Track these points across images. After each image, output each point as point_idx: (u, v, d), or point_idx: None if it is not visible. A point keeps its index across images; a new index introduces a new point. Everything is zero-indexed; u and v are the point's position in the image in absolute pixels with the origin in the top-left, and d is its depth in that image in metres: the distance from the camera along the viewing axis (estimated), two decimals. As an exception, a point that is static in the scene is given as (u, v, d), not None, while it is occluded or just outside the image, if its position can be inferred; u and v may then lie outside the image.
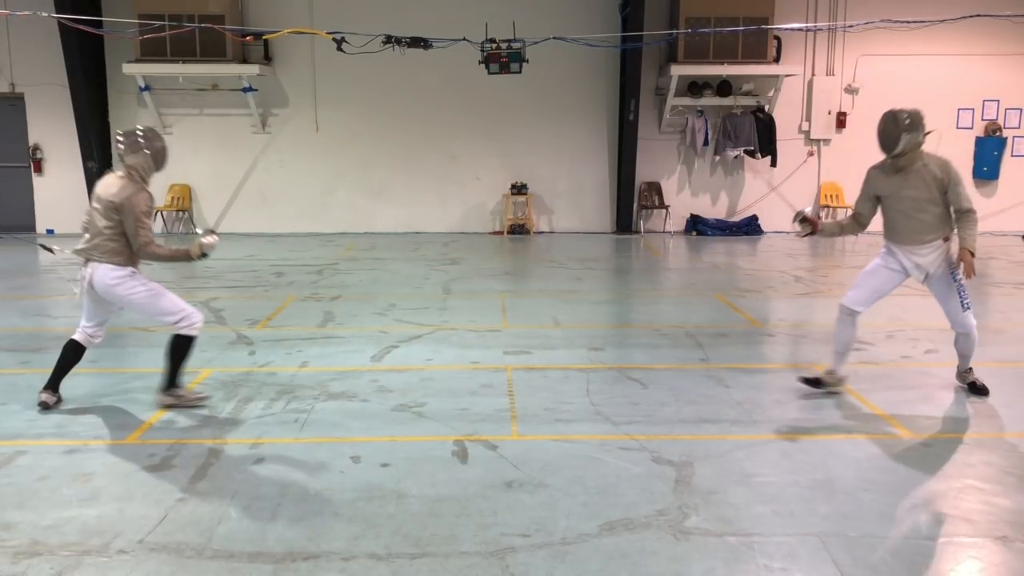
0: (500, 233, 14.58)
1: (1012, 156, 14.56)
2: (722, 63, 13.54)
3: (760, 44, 13.51)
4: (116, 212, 4.87)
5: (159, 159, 5.06)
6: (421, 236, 14.25)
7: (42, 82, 13.97)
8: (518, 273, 11.00)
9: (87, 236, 5.04)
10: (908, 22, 11.05)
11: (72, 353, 5.20)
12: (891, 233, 5.32)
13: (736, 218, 14.61)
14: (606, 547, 3.44)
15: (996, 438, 4.73)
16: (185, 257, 5.15)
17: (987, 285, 10.16)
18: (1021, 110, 14.54)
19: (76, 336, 5.19)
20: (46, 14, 11.45)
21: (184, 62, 13.38)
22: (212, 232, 5.14)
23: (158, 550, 3.42)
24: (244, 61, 13.79)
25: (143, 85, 13.76)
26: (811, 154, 14.53)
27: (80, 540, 3.50)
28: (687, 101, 14.12)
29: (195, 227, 14.35)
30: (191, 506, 3.82)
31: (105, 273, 4.93)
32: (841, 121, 14.31)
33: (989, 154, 14.48)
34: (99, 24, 11.88)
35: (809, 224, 5.47)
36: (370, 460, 4.37)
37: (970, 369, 5.56)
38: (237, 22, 13.60)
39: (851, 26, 12.42)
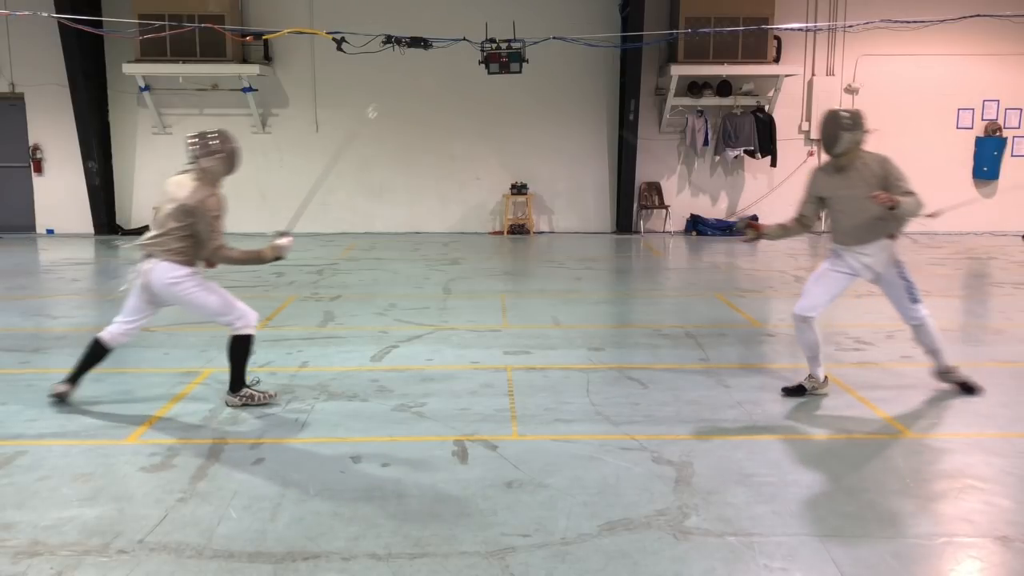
0: (500, 233, 14.58)
1: (1012, 156, 14.56)
2: (722, 63, 13.54)
3: (760, 44, 13.51)
4: (189, 215, 4.86)
5: (232, 162, 5.05)
6: (421, 236, 14.25)
7: (42, 82, 13.96)
8: (518, 273, 11.00)
9: (151, 233, 4.99)
10: (908, 22, 11.06)
11: (96, 352, 5.15)
12: (837, 234, 5.32)
13: (736, 218, 14.60)
14: (606, 547, 3.44)
15: (996, 438, 4.73)
16: (258, 260, 5.13)
17: (987, 285, 10.17)
18: (1021, 110, 14.54)
19: (103, 334, 5.14)
20: (46, 14, 11.48)
21: (184, 62, 13.38)
22: (285, 234, 5.12)
23: (158, 550, 3.41)
24: (244, 61, 13.79)
25: (143, 85, 13.76)
26: (811, 154, 14.53)
27: (80, 540, 3.50)
28: (687, 101, 14.13)
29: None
30: (191, 506, 3.82)
31: (165, 271, 4.91)
32: (841, 121, 14.30)
33: (989, 154, 14.49)
34: (99, 24, 11.89)
35: (753, 230, 5.48)
36: (370, 460, 4.37)
37: (953, 368, 5.51)
38: (237, 22, 13.59)
39: (851, 26, 12.44)
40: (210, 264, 5.09)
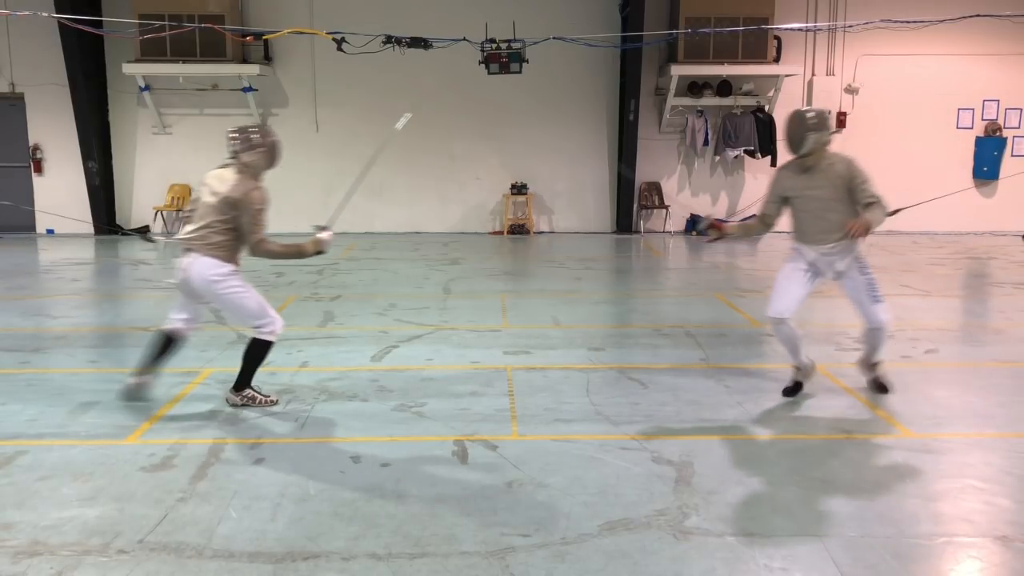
0: (500, 233, 14.58)
1: (1012, 156, 14.56)
2: (722, 63, 13.55)
3: (760, 44, 13.51)
4: (233, 208, 4.85)
5: (273, 155, 5.05)
6: (421, 236, 14.25)
7: (42, 82, 13.98)
8: (518, 273, 11.00)
9: (191, 226, 4.97)
10: (908, 22, 11.06)
11: (164, 345, 5.12)
12: (799, 234, 5.32)
13: (736, 218, 14.61)
14: (606, 547, 3.44)
15: (996, 438, 4.73)
16: (299, 254, 5.12)
17: (987, 285, 10.17)
18: (1021, 110, 14.54)
19: (167, 327, 5.12)
20: (46, 14, 11.47)
21: (184, 62, 13.39)
22: (325, 228, 5.12)
23: (158, 550, 3.41)
24: (244, 61, 13.79)
25: (143, 85, 13.77)
26: (811, 154, 14.51)
27: (80, 540, 3.50)
28: (687, 101, 14.13)
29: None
30: (191, 506, 3.82)
31: (206, 266, 4.88)
32: (841, 121, 14.29)
33: (989, 154, 14.49)
34: (99, 24, 11.89)
35: (716, 230, 5.52)
36: (370, 460, 4.37)
37: (877, 363, 5.52)
38: (237, 22, 13.60)
39: (851, 26, 12.44)
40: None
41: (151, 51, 13.30)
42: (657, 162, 14.64)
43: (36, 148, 14.28)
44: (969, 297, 9.45)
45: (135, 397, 5.17)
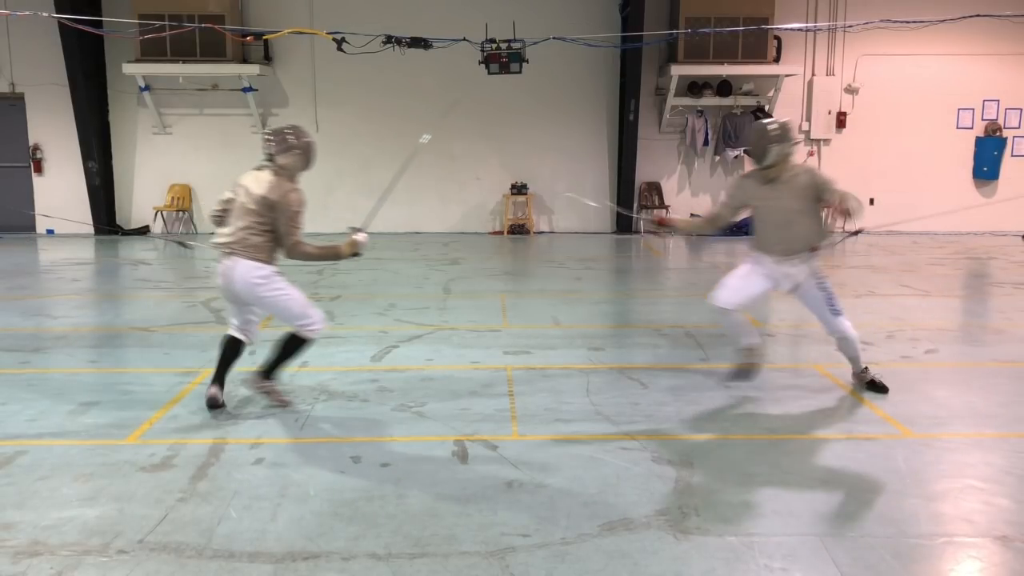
0: (500, 233, 14.58)
1: (1012, 156, 14.56)
2: (722, 63, 13.56)
3: (760, 44, 13.52)
4: (271, 210, 4.84)
5: (309, 157, 5.04)
6: (421, 236, 14.25)
7: (42, 82, 13.98)
8: (518, 273, 11.00)
9: (228, 229, 4.94)
10: (908, 22, 11.07)
11: (230, 348, 5.11)
12: (760, 243, 5.33)
13: (736, 218, 14.59)
14: (606, 547, 3.44)
15: (996, 438, 4.73)
16: (335, 256, 5.11)
17: (987, 285, 10.17)
18: (1021, 110, 14.54)
19: (231, 332, 5.14)
20: (46, 14, 11.47)
21: (184, 62, 13.39)
22: (360, 230, 5.12)
23: (158, 550, 3.41)
24: (244, 61, 13.80)
25: (143, 85, 13.77)
26: (811, 154, 14.53)
27: (80, 540, 3.50)
28: (687, 101, 14.14)
29: (195, 227, 14.39)
30: (191, 506, 3.81)
31: (248, 269, 4.86)
32: (841, 121, 14.31)
33: (989, 154, 14.50)
34: (99, 24, 11.89)
35: (663, 225, 5.60)
36: (370, 460, 4.37)
37: (866, 368, 5.55)
38: (237, 22, 13.60)
39: (851, 26, 12.45)
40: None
41: (151, 51, 13.31)
42: (657, 162, 14.64)
43: (36, 148, 14.29)
44: (969, 297, 9.45)
45: (216, 406, 5.09)
